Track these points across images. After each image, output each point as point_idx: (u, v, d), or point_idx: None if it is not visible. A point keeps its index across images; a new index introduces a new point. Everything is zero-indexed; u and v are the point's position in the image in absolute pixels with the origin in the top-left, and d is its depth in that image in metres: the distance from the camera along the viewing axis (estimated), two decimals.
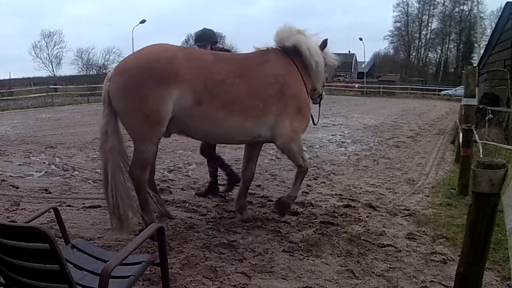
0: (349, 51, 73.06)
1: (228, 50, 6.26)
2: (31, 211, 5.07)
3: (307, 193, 6.25)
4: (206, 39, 5.70)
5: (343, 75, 66.41)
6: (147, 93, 3.98)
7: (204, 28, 5.78)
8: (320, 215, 5.21)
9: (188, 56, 4.27)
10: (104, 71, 58.48)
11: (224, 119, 4.30)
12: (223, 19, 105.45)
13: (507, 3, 17.91)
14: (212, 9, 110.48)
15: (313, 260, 3.92)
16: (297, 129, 4.68)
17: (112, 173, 4.12)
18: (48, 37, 62.08)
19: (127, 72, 4.07)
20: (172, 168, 7.93)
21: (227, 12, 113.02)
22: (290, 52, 4.72)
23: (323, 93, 5.37)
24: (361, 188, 6.61)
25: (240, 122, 4.38)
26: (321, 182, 6.96)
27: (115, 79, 4.09)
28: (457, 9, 64.10)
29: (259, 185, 6.66)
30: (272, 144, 4.95)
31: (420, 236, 4.56)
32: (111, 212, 4.16)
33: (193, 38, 5.88)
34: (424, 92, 46.97)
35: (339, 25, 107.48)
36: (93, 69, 59.53)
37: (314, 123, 5.14)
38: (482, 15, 51.40)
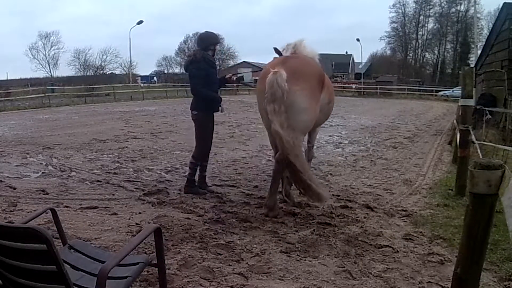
0: (346, 52, 73.31)
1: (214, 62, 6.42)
2: (28, 212, 5.05)
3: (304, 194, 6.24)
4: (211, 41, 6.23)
5: (341, 76, 66.49)
6: (319, 96, 5.24)
7: (205, 32, 6.27)
8: (317, 215, 5.21)
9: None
10: (101, 72, 58.45)
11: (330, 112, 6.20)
12: (224, 19, 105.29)
13: (505, 3, 17.94)
14: (214, 8, 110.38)
15: (310, 261, 3.93)
16: None
17: (301, 158, 5.03)
18: (45, 38, 61.98)
19: (311, 77, 5.17)
20: (169, 169, 7.93)
21: (229, 11, 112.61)
22: None
23: None
24: (358, 189, 6.61)
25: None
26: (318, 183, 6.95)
27: (298, 81, 4.96)
28: (453, 9, 64.16)
29: (256, 186, 6.66)
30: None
31: (417, 237, 4.56)
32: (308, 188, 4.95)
33: (197, 40, 6.24)
34: (422, 93, 47.08)
35: (340, 25, 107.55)
36: (90, 70, 59.42)
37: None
38: (479, 15, 51.36)
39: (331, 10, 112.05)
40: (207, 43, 6.12)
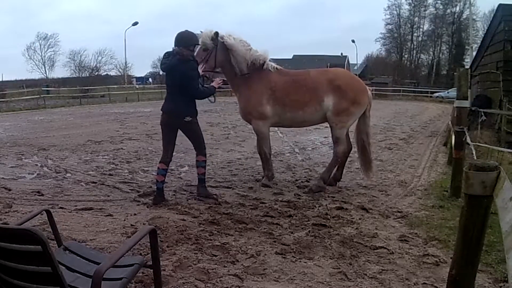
0: (342, 53, 73.23)
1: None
2: (23, 213, 5.04)
3: (300, 195, 6.25)
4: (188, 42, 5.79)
5: None
6: None
7: (186, 31, 5.85)
8: (313, 217, 5.21)
9: None
10: (96, 73, 58.40)
11: None
12: (227, 18, 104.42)
13: (500, 5, 18.01)
14: (218, 7, 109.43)
15: (305, 262, 3.93)
16: None
17: (369, 143, 6.93)
18: (43, 39, 61.62)
19: None
20: None
21: (232, 10, 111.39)
22: None
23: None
24: (353, 190, 6.61)
25: None
26: None
27: None
28: (448, 10, 64.31)
29: (251, 187, 6.66)
30: None
31: (413, 238, 4.57)
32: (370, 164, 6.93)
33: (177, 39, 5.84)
34: (417, 94, 47.09)
35: (337, 26, 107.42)
36: (86, 71, 59.33)
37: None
38: (474, 17, 51.54)
39: (330, 11, 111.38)
40: (190, 42, 5.76)
